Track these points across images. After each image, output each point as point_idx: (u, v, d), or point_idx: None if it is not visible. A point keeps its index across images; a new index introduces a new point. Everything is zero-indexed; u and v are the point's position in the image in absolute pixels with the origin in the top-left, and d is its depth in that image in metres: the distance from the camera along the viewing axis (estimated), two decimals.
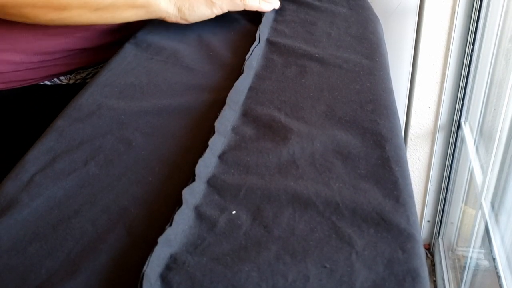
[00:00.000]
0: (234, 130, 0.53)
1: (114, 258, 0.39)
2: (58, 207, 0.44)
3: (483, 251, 1.11)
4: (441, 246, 1.36)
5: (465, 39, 1.07)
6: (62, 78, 0.82)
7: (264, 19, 0.76)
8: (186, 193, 0.43)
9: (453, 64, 1.10)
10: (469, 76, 1.10)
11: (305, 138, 0.50)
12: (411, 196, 0.44)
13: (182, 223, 0.41)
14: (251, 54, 0.66)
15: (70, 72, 0.82)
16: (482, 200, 1.00)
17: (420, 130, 1.21)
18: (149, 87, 0.62)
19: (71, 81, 0.83)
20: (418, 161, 1.25)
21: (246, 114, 0.56)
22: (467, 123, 1.17)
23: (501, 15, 0.97)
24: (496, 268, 0.89)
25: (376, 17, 0.80)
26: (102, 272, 0.38)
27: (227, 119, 0.54)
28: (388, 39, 0.81)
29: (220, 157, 0.49)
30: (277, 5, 0.79)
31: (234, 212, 0.42)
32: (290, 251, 0.38)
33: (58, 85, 0.82)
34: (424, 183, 1.30)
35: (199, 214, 0.42)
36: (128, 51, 0.71)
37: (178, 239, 0.40)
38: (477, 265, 1.13)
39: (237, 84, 0.60)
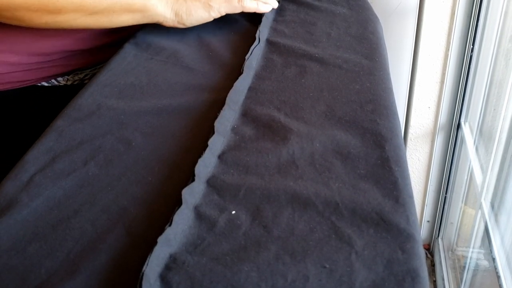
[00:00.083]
0: (234, 130, 0.53)
1: (114, 258, 0.39)
2: (57, 207, 0.44)
3: (482, 251, 1.11)
4: (440, 246, 1.36)
5: (465, 39, 1.07)
6: (59, 79, 0.82)
7: (264, 19, 0.76)
8: (186, 193, 0.43)
9: (453, 64, 1.10)
10: (469, 76, 1.10)
11: (305, 138, 0.50)
12: (410, 196, 0.44)
13: (182, 223, 0.41)
14: (251, 54, 0.66)
15: (67, 73, 0.82)
16: (482, 200, 1.00)
17: (420, 130, 1.21)
18: (149, 87, 0.62)
19: (68, 82, 0.83)
20: (418, 161, 1.25)
21: (246, 114, 0.56)
22: (467, 123, 1.17)
23: (501, 15, 0.97)
24: (495, 268, 0.89)
25: (376, 17, 0.80)
26: (101, 272, 0.38)
27: (227, 119, 0.54)
28: (388, 39, 0.81)
29: (219, 157, 0.49)
30: (275, 5, 0.79)
31: (233, 212, 0.42)
32: (289, 251, 0.38)
33: (55, 86, 0.82)
34: (424, 183, 1.30)
35: (199, 214, 0.42)
36: (128, 51, 0.71)
37: (177, 239, 0.40)
38: (477, 265, 1.13)
39: (237, 84, 0.60)
